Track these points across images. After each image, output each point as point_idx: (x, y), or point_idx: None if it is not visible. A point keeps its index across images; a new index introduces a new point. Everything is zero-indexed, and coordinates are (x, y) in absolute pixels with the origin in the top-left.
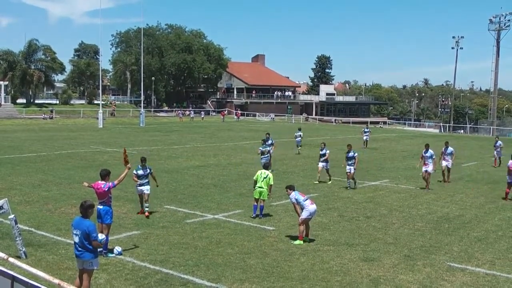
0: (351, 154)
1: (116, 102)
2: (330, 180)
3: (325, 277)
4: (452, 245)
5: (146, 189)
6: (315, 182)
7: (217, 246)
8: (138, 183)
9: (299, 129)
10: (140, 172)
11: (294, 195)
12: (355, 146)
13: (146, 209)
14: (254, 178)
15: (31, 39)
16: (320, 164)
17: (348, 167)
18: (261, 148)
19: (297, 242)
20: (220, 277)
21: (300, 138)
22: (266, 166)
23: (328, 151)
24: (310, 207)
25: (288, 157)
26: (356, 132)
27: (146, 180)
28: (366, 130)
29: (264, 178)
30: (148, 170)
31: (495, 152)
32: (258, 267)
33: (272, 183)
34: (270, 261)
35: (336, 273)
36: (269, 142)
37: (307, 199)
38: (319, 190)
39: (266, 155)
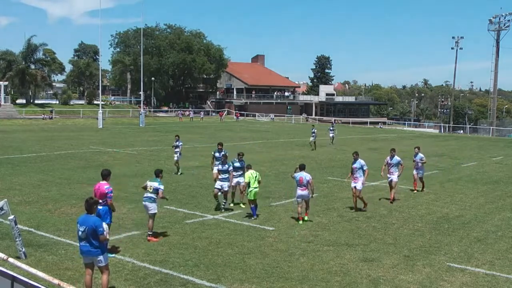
0: (225, 167)
1: (116, 103)
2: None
3: (325, 278)
4: (452, 246)
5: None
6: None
7: (216, 246)
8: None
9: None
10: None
11: (296, 175)
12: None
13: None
14: (247, 180)
15: (30, 37)
16: (235, 181)
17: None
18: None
19: (300, 222)
20: (220, 277)
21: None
22: (249, 166)
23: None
24: (298, 191)
25: (288, 158)
26: (356, 133)
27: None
28: (331, 128)
29: (255, 177)
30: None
31: (414, 170)
32: (258, 268)
33: (260, 179)
34: (270, 262)
35: (336, 274)
36: (223, 153)
37: (300, 186)
38: (318, 191)
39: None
